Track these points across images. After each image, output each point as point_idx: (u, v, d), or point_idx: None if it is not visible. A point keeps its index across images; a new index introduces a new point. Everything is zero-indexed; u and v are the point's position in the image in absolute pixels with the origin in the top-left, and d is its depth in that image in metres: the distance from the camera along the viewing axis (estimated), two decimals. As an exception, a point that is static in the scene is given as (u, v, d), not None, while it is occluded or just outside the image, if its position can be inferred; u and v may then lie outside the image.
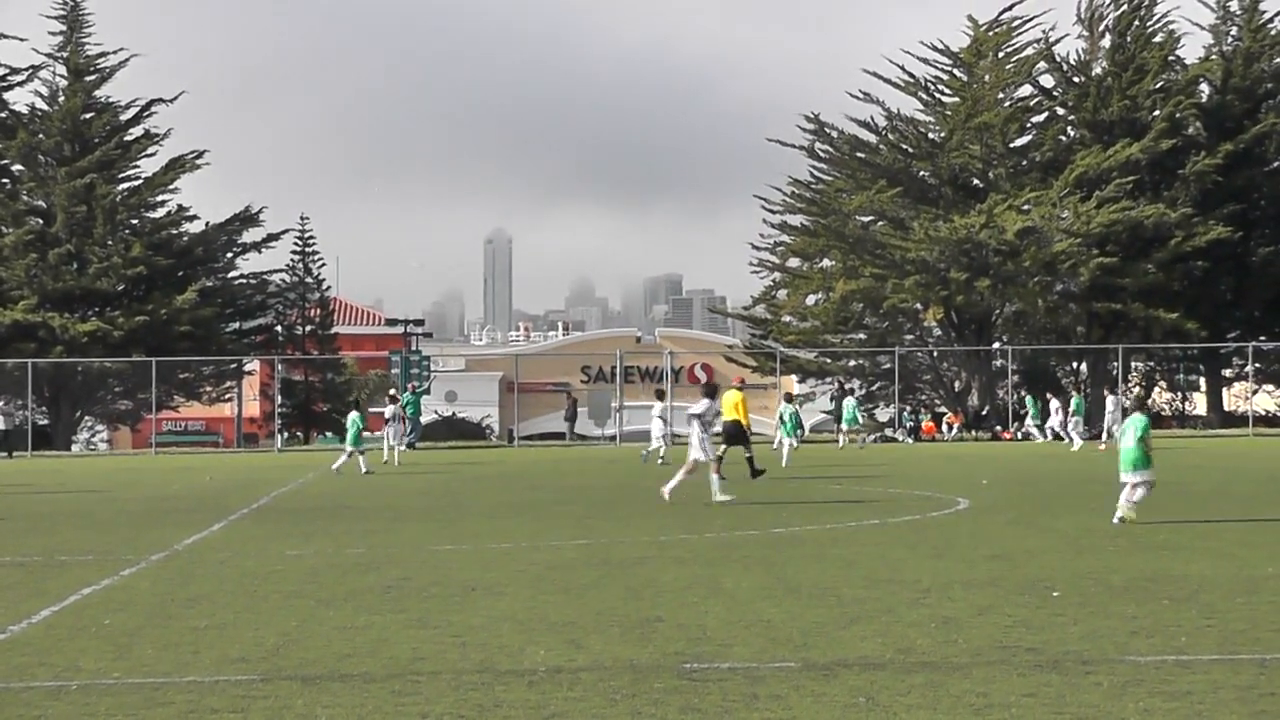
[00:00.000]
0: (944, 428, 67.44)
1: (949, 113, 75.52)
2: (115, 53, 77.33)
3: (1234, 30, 77.91)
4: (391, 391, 55.23)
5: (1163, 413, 78.14)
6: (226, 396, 78.28)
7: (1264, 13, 77.36)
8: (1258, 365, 72.70)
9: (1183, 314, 70.24)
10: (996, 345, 75.02)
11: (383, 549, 21.43)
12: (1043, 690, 10.82)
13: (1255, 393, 74.11)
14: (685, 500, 28.33)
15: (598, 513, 27.62)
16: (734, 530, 23.32)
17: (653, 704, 10.55)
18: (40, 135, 75.35)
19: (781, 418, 46.47)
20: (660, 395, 48.71)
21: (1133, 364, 75.29)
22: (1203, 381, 79.08)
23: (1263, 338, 72.60)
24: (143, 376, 68.38)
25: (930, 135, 76.46)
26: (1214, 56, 77.30)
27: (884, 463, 45.06)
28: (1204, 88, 77.37)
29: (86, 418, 76.18)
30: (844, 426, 57.18)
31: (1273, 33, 77.04)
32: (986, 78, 75.05)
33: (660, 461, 44.58)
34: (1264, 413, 74.37)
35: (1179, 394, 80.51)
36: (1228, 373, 77.24)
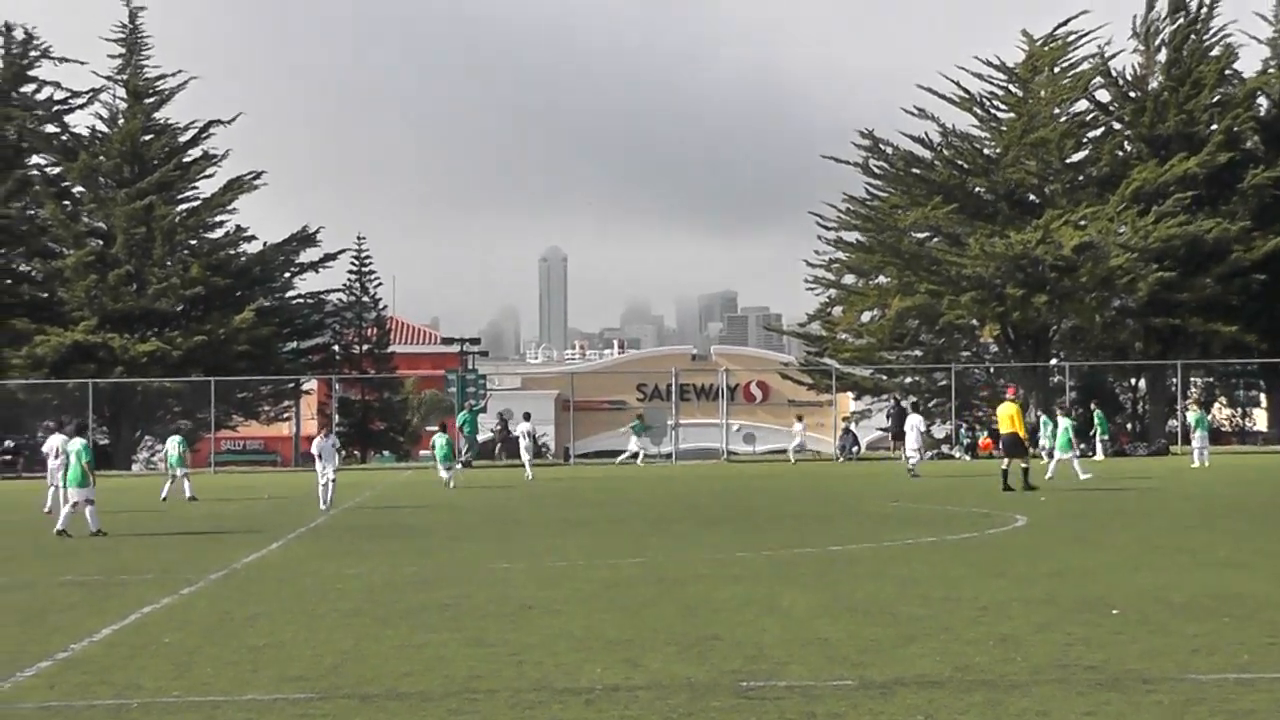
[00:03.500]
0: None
1: (1004, 128, 75.25)
2: (174, 75, 77.98)
3: (1292, 43, 77.32)
4: (527, 411, 56.80)
5: (1223, 428, 77.57)
6: (284, 415, 78.61)
7: (1322, 25, 76.79)
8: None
9: (1242, 328, 69.74)
10: (1054, 361, 74.64)
11: (439, 567, 21.49)
12: (1103, 709, 10.75)
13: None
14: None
15: (653, 531, 27.62)
16: (790, 548, 23.29)
17: (710, 722, 10.54)
18: (100, 157, 75.97)
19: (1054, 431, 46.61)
20: (916, 407, 50.01)
21: (1192, 379, 74.75)
22: (1263, 397, 78.47)
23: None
24: (201, 396, 68.70)
25: (985, 151, 76.21)
26: (1272, 69, 76.73)
27: (940, 480, 44.88)
28: (1262, 101, 76.81)
29: (146, 437, 76.64)
30: (1060, 454, 45.22)
31: (1332, 45, 76.46)
32: (1042, 93, 74.76)
33: (911, 474, 45.18)
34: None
35: (1239, 409, 79.87)
36: (1288, 388, 76.61)
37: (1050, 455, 45.27)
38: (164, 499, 40.84)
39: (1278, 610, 15.51)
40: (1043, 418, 54.61)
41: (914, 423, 50.41)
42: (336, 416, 73.01)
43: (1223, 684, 11.60)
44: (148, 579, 20.61)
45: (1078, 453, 44.56)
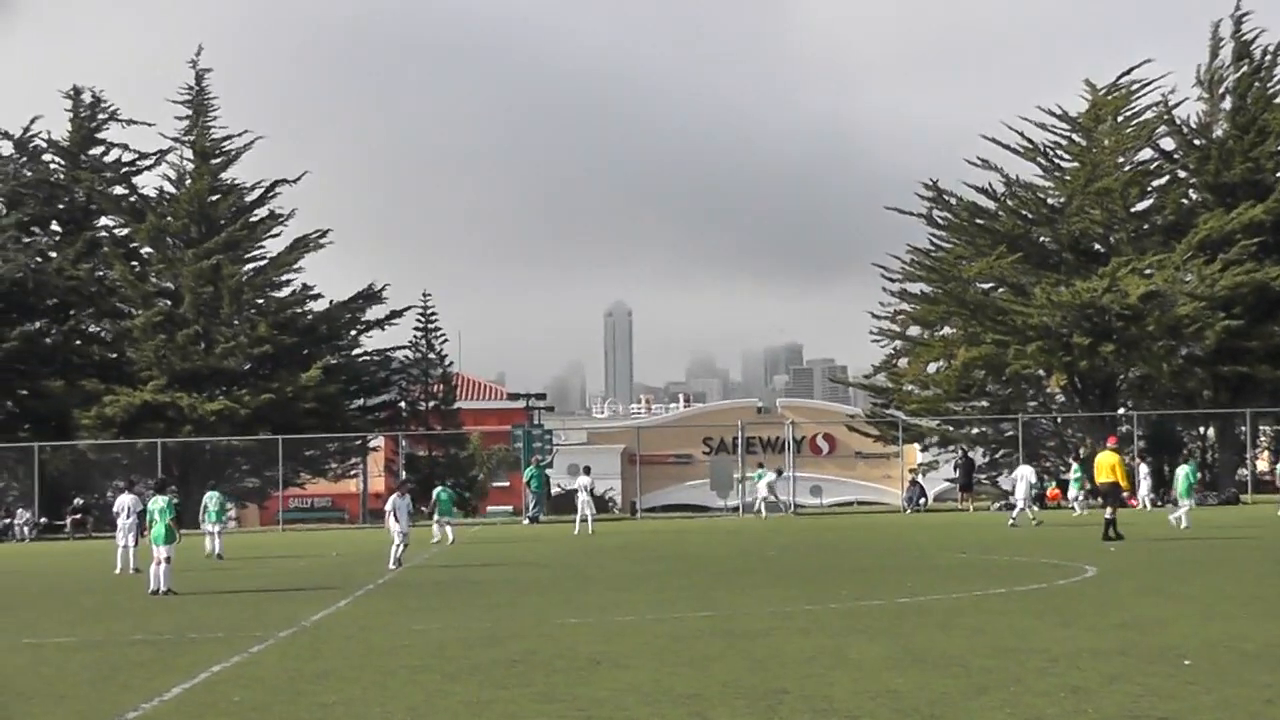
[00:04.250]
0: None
1: (1068, 178, 75.02)
2: (240, 135, 78.88)
3: (1358, 88, 76.68)
4: (586, 465, 57.02)
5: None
6: (352, 473, 78.97)
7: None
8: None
9: (1312, 376, 69.13)
10: (1122, 410, 74.11)
11: (507, 622, 21.50)
12: (1175, 760, 10.65)
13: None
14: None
15: (720, 584, 27.55)
16: (858, 600, 23.19)
17: (779, 776, 10.50)
18: (168, 218, 76.80)
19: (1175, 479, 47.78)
20: (1029, 459, 52.10)
21: (1261, 428, 74.06)
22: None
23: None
24: (269, 454, 69.16)
25: (1050, 200, 76.00)
26: (1338, 115, 76.08)
27: (1010, 530, 44.61)
28: (1328, 147, 76.24)
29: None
30: (1184, 501, 43.89)
31: (1398, 90, 75.80)
32: (1106, 142, 74.53)
33: (1035, 522, 46.03)
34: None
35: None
36: (1361, 435, 75.80)
37: (1175, 503, 45.26)
38: (219, 556, 41.31)
39: (1353, 659, 15.34)
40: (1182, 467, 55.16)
41: (1024, 473, 50.72)
42: (404, 473, 73.24)
43: (1298, 734, 11.48)
44: (217, 637, 20.70)
45: (1192, 502, 44.08)
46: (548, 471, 67.32)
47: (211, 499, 44.55)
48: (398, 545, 35.15)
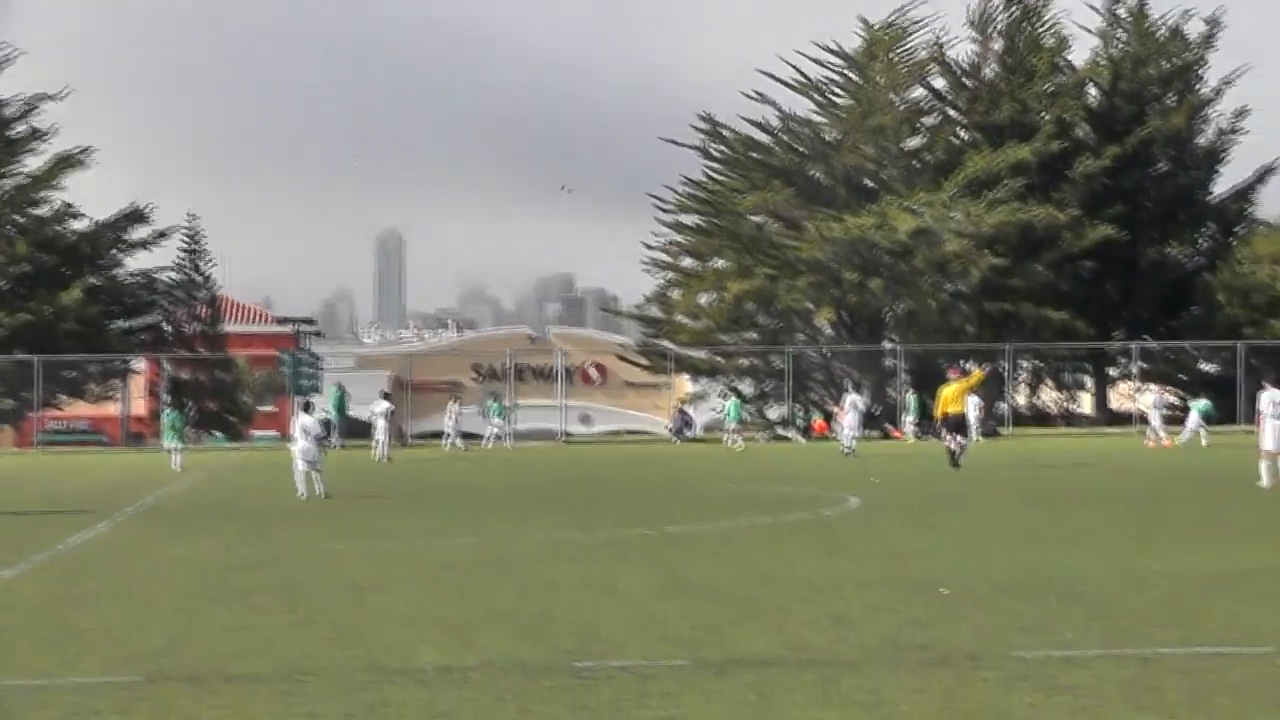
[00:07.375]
0: (835, 426, 67.50)
1: (843, 114, 75.78)
2: (-1, 49, 76.05)
3: (1121, 34, 78.70)
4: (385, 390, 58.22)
5: (1049, 411, 78.81)
6: (112, 395, 77.19)
7: (1150, 17, 78.22)
8: (1143, 364, 73.33)
9: (1071, 314, 70.99)
10: (887, 344, 75.30)
11: (271, 548, 21.24)
12: (931, 686, 10.86)
13: (1140, 391, 74.81)
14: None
15: (490, 512, 27.52)
16: (627, 529, 23.31)
17: (542, 702, 10.50)
18: (-79, 133, 73.98)
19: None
20: (858, 388, 56.97)
21: (1020, 362, 75.78)
22: (1089, 380, 79.79)
23: (1146, 337, 73.37)
24: (26, 375, 67.28)
25: (824, 136, 76.69)
26: (1102, 61, 78.09)
27: (776, 461, 45.22)
28: (1092, 91, 78.20)
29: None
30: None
31: (1159, 38, 77.89)
32: (879, 79, 75.38)
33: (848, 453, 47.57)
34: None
35: (1066, 392, 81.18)
36: (1113, 372, 77.98)
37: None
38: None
39: (1101, 588, 15.79)
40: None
41: (853, 401, 52.13)
42: (168, 396, 71.88)
43: (1047, 661, 11.76)
44: (-30, 561, 20.14)
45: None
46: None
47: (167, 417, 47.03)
48: (305, 471, 30.77)
